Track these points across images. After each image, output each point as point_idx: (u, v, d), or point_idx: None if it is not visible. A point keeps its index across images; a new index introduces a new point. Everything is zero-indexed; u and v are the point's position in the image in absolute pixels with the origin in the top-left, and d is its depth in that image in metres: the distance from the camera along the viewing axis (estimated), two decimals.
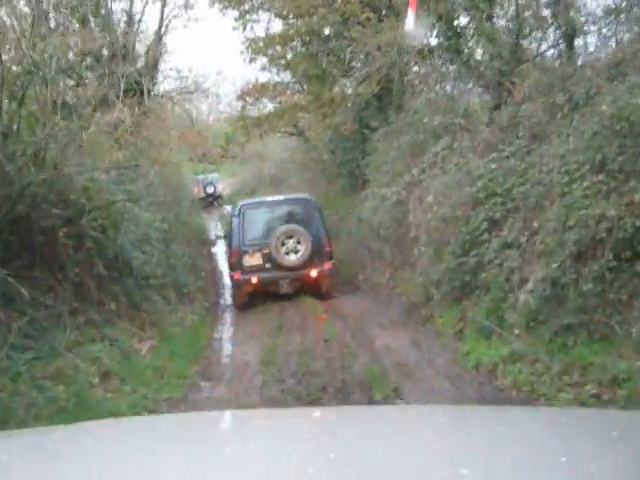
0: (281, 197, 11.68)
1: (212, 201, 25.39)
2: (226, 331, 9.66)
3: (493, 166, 7.55)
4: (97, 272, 6.98)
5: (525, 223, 6.62)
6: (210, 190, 25.70)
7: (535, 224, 6.41)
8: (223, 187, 27.21)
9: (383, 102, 12.63)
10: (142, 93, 12.02)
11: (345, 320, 9.11)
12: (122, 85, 10.18)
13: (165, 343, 7.53)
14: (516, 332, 6.03)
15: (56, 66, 7.61)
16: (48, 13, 9.10)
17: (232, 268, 10.35)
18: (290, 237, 9.96)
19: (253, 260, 10.05)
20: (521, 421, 1.74)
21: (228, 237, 11.34)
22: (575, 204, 5.72)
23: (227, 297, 11.82)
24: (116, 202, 8.04)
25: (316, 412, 2.19)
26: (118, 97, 9.88)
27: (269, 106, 16.55)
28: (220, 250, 15.91)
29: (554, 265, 5.71)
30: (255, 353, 7.51)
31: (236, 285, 10.32)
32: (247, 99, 15.92)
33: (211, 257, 16.00)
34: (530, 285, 6.03)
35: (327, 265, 10.11)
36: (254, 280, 9.93)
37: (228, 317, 10.63)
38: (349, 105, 12.69)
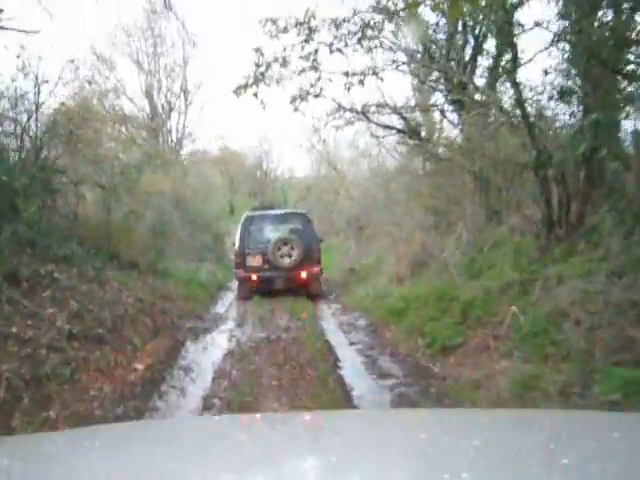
0: (281, 211, 14.17)
1: None
2: None
3: None
4: None
5: None
6: None
7: None
8: None
9: None
10: None
11: None
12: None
13: None
14: None
15: None
16: None
17: (237, 267, 12.77)
18: (285, 244, 12.22)
19: (254, 261, 12.38)
20: (522, 424, 1.73)
21: (235, 242, 13.58)
22: None
23: None
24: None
25: (317, 415, 2.18)
26: None
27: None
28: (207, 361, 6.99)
29: None
30: None
31: (240, 280, 12.74)
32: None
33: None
34: None
35: (315, 269, 12.39)
36: (254, 277, 12.29)
37: None
38: None
